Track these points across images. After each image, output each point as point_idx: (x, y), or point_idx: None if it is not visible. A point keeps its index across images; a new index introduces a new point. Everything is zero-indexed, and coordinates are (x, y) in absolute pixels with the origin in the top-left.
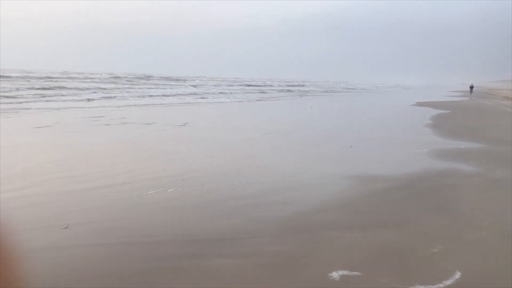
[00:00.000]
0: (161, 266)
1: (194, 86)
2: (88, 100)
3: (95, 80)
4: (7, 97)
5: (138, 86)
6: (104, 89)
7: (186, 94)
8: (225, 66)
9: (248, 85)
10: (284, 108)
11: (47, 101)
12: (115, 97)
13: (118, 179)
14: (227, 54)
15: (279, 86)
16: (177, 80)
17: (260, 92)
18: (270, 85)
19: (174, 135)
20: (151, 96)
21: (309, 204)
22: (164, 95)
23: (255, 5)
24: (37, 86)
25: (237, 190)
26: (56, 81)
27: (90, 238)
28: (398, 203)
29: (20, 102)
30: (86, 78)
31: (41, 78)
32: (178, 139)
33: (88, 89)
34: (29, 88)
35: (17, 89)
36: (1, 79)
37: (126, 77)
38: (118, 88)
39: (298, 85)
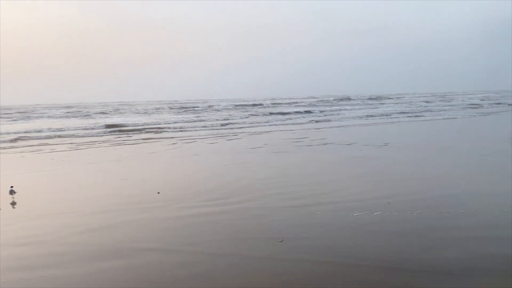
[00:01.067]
0: None
1: (397, 104)
2: (293, 123)
3: (299, 104)
4: (229, 123)
5: (336, 107)
6: (309, 112)
7: (396, 113)
8: (430, 78)
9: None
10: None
11: (256, 125)
12: (316, 120)
13: (324, 199)
14: (433, 64)
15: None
16: (379, 98)
17: (474, 108)
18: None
19: (375, 155)
20: (354, 117)
21: None
22: (367, 116)
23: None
24: (251, 112)
25: (449, 219)
26: (262, 107)
27: (303, 253)
28: None
29: (239, 127)
30: (291, 103)
31: (248, 105)
32: (378, 159)
33: (289, 113)
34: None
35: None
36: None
37: (326, 99)
38: (311, 112)
39: None
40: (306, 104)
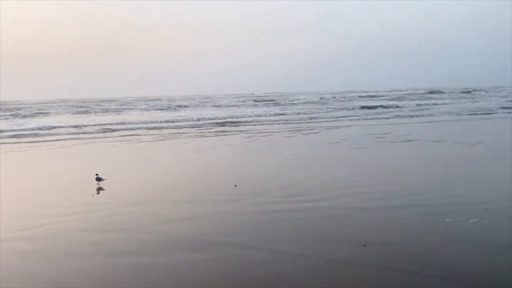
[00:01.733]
0: None
1: (494, 97)
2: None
3: (379, 98)
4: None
5: (425, 101)
6: (388, 106)
7: (498, 108)
8: None
9: None
10: None
11: (336, 119)
12: (398, 115)
13: (411, 200)
14: None
15: None
16: (473, 91)
17: None
18: None
19: (468, 154)
20: (444, 113)
21: None
22: (460, 110)
23: None
24: (331, 106)
25: None
26: (342, 99)
27: (388, 261)
28: None
29: (318, 121)
30: (374, 95)
31: (328, 98)
32: (472, 159)
33: (374, 107)
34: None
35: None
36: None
37: (415, 92)
38: (398, 106)
39: None
40: (392, 97)
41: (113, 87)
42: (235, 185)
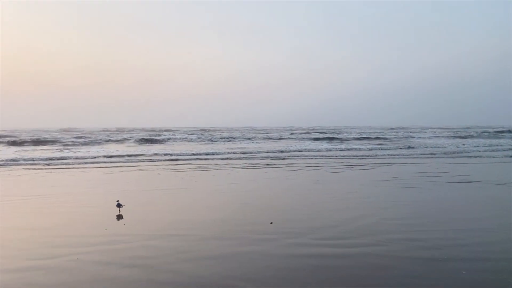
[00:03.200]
0: None
1: None
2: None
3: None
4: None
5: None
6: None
7: None
8: None
9: None
10: None
11: (386, 156)
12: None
13: (471, 253)
14: None
15: None
16: None
17: None
18: None
19: None
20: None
21: None
22: None
23: None
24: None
25: None
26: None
27: None
28: None
29: (366, 156)
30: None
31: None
32: None
33: (427, 147)
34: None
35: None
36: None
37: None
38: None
39: None
40: (456, 134)
41: (164, 117)
42: (271, 222)
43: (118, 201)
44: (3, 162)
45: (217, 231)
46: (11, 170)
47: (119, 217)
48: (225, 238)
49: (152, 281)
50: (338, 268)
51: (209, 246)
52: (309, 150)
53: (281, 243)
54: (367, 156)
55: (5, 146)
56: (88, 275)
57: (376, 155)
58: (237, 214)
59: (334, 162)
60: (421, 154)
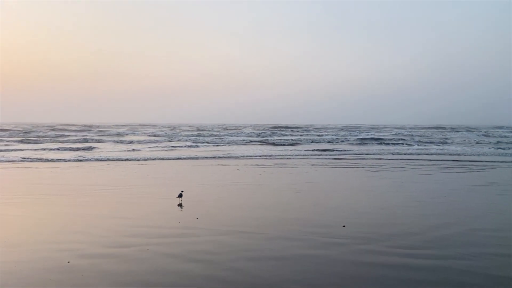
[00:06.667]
0: None
1: None
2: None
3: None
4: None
5: None
6: None
7: None
8: None
9: None
10: None
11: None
12: None
13: None
14: None
15: None
16: None
17: None
18: None
19: None
20: None
21: None
22: None
23: None
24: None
25: None
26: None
27: None
28: None
29: (465, 161)
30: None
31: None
32: None
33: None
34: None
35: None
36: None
37: None
38: None
39: None
40: None
41: (227, 114)
42: (343, 226)
43: (182, 191)
44: (104, 157)
45: (285, 231)
46: (108, 165)
47: (181, 206)
48: (292, 238)
49: (211, 278)
50: (411, 282)
51: (274, 245)
52: (390, 153)
53: (352, 248)
54: (466, 160)
55: (109, 143)
56: (154, 267)
57: (482, 161)
58: (309, 214)
59: (423, 164)
60: None
